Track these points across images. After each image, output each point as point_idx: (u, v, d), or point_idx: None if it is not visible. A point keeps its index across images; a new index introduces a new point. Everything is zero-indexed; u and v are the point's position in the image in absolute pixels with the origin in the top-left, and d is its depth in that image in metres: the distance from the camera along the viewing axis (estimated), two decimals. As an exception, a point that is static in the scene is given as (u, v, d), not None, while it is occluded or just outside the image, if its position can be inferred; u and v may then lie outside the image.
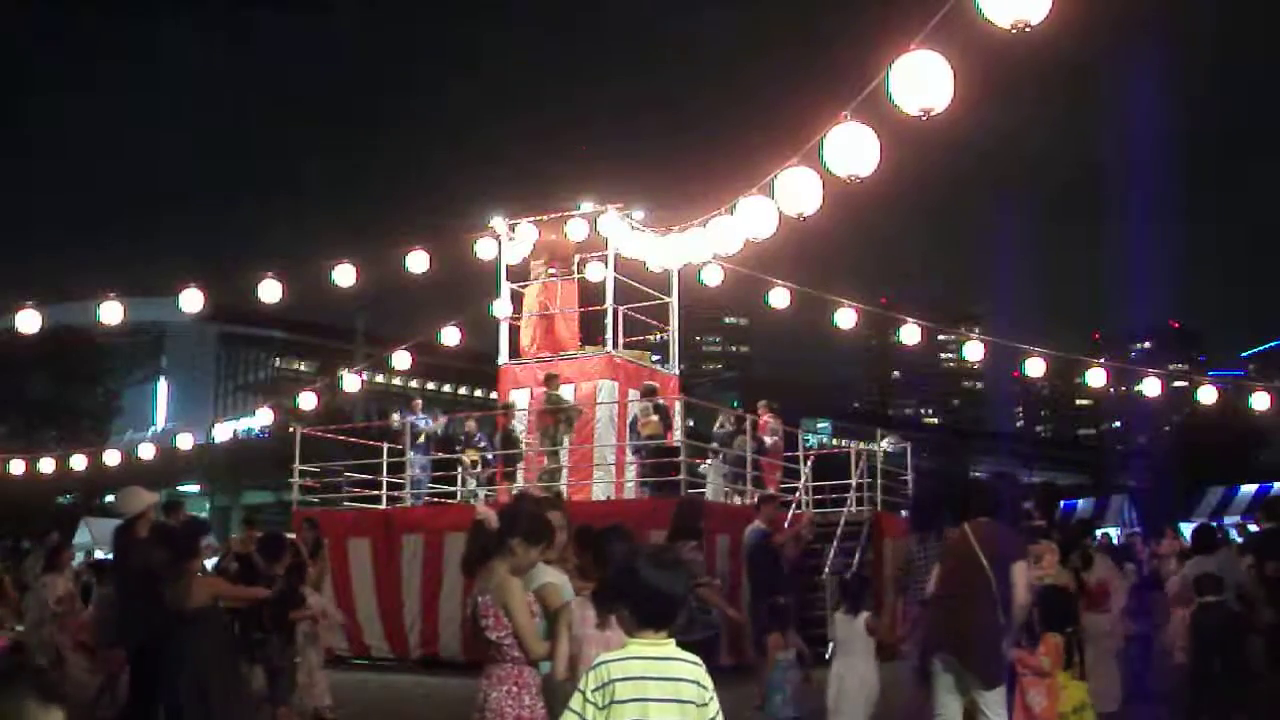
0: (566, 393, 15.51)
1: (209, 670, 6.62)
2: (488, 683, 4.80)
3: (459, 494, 16.44)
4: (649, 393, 15.38)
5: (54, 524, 24.52)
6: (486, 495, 16.16)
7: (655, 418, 15.09)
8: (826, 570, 14.57)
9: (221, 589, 7.06)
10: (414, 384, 63.13)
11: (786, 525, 12.47)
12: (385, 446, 16.24)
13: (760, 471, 15.91)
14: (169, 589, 6.93)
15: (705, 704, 3.36)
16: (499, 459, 16.08)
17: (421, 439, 16.52)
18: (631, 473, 15.51)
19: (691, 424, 16.76)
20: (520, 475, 15.55)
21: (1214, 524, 14.02)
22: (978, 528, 6.23)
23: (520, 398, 16.40)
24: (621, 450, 15.44)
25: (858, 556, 14.49)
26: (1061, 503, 15.47)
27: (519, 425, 15.86)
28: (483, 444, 16.50)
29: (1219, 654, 9.24)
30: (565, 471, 15.21)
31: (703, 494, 14.84)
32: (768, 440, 16.16)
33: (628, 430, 15.42)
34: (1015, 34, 5.92)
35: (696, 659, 3.46)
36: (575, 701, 3.33)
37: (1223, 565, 10.08)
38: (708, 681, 3.39)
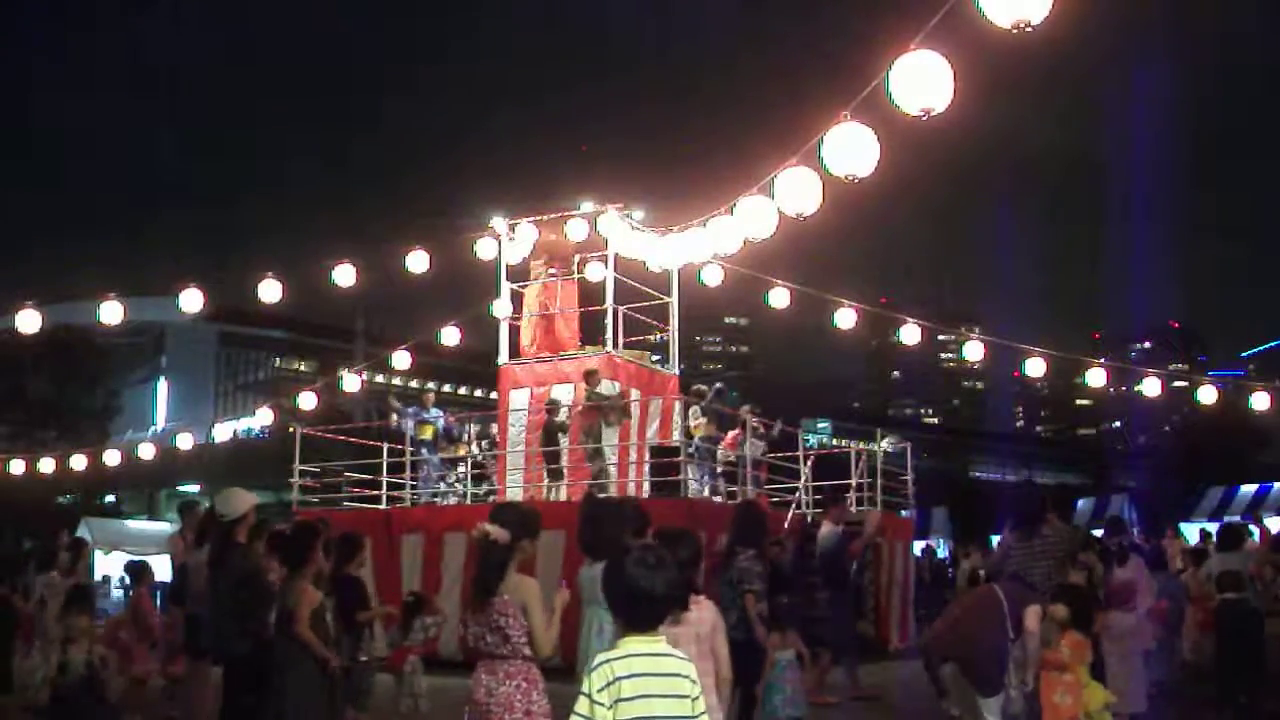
0: (605, 388, 15.29)
1: (302, 683, 6.47)
2: (493, 677, 4.90)
3: (459, 492, 16.43)
4: (698, 395, 15.56)
5: (54, 524, 24.54)
6: (475, 496, 16.17)
7: (705, 419, 15.11)
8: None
9: (303, 599, 6.65)
10: (414, 384, 63.18)
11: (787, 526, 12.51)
12: (385, 446, 16.24)
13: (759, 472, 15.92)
14: (280, 594, 6.77)
15: (696, 698, 3.42)
16: (502, 458, 16.10)
17: (429, 435, 16.48)
18: (632, 472, 15.48)
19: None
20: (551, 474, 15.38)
21: (1241, 520, 14.04)
22: (1010, 592, 6.59)
23: (519, 398, 16.39)
24: (624, 450, 15.41)
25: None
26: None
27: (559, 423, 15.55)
28: (458, 435, 16.55)
29: (1238, 650, 9.29)
30: (613, 470, 14.95)
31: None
32: (759, 444, 16.16)
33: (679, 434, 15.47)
34: (1016, 34, 5.92)
35: (686, 655, 3.52)
36: (581, 704, 3.35)
37: (1244, 563, 10.13)
38: (696, 677, 3.46)
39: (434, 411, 16.89)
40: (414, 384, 63.15)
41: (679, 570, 5.10)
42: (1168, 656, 10.07)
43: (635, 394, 16.09)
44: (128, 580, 11.71)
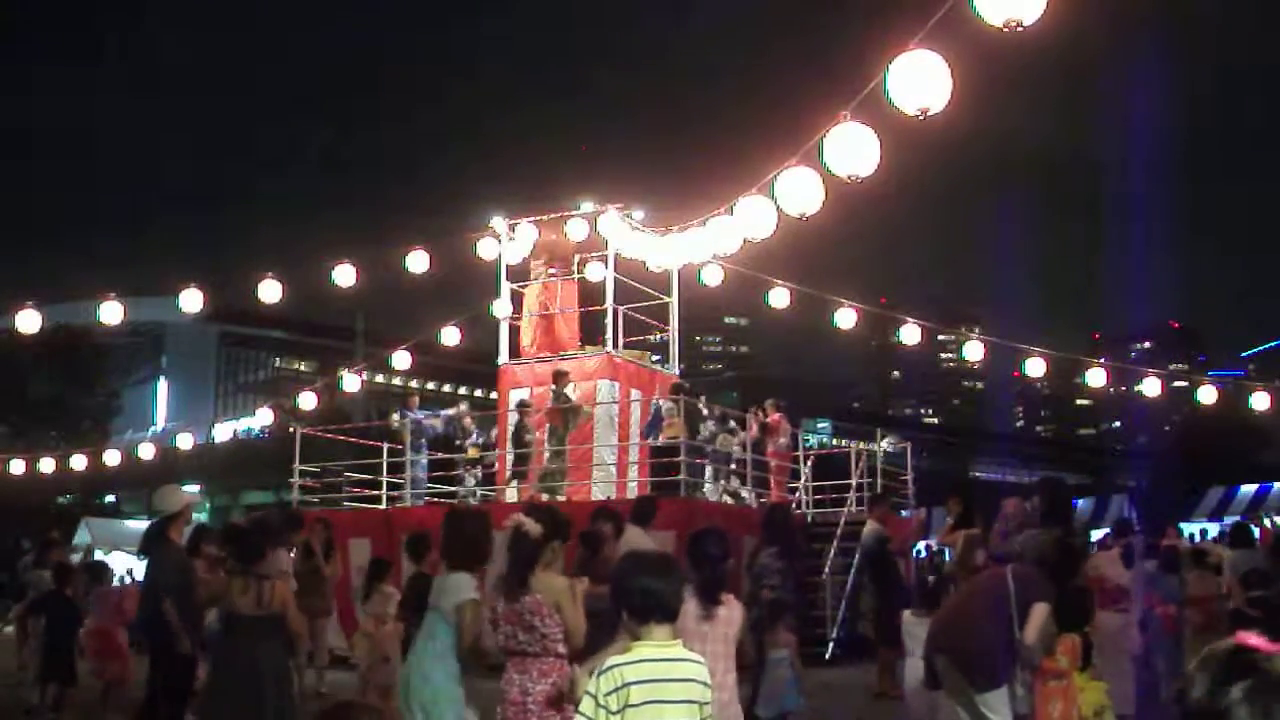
0: (571, 390, 15.33)
1: (263, 677, 6.40)
2: (525, 676, 4.98)
3: (461, 493, 16.43)
4: (676, 390, 15.51)
5: (54, 524, 24.54)
6: (485, 495, 16.17)
7: (680, 420, 15.05)
8: (826, 570, 14.56)
9: (289, 600, 6.66)
10: (414, 384, 63.14)
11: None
12: (385, 446, 16.24)
13: (768, 473, 15.91)
14: (230, 589, 6.67)
15: (708, 701, 3.41)
16: (503, 458, 16.10)
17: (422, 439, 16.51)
18: (633, 472, 15.47)
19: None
20: (514, 475, 15.39)
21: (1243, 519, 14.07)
22: (1020, 576, 6.23)
23: (519, 398, 16.38)
24: (624, 450, 15.40)
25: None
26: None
27: (527, 423, 15.46)
28: (481, 440, 16.55)
29: None
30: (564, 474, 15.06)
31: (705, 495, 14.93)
32: (783, 440, 16.15)
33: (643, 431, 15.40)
34: (1009, 33, 5.92)
35: (701, 658, 3.50)
36: (587, 706, 3.31)
37: (1268, 560, 10.15)
38: (708, 680, 3.45)
39: (418, 413, 16.90)
40: (414, 384, 63.29)
41: (711, 569, 5.28)
42: (1178, 661, 10.00)
43: (635, 394, 16.07)
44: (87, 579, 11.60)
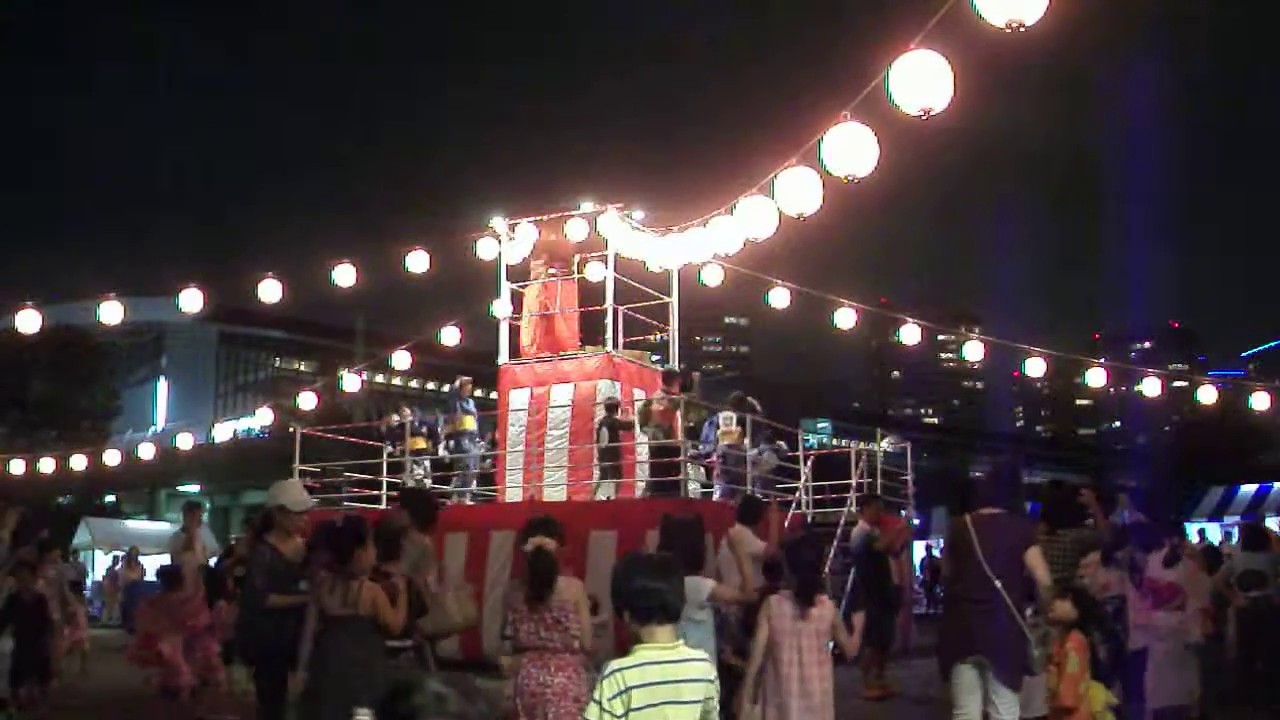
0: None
1: (351, 680, 6.18)
2: (544, 670, 5.55)
3: (469, 493, 16.45)
4: (738, 402, 15.39)
5: (54, 524, 24.54)
6: (475, 495, 16.22)
7: (737, 428, 14.92)
8: (825, 571, 14.54)
9: (379, 598, 6.42)
10: (414, 384, 63.14)
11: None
12: (385, 446, 16.24)
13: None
14: (328, 592, 6.45)
15: (712, 697, 3.43)
16: (502, 458, 16.10)
17: (470, 425, 16.46)
18: (641, 471, 15.43)
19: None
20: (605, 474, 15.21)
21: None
22: (979, 521, 6.22)
23: (519, 398, 16.38)
24: (630, 450, 15.34)
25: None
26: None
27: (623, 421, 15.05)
28: (424, 431, 16.64)
29: (1266, 648, 9.31)
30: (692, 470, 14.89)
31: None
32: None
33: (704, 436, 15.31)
34: (1010, 33, 5.93)
35: (705, 656, 3.53)
36: (591, 711, 3.32)
37: (1273, 562, 10.18)
38: (715, 678, 3.47)
39: (472, 402, 16.93)
40: (414, 384, 63.28)
41: (806, 573, 5.72)
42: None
43: (638, 393, 16.02)
44: (160, 584, 11.14)
